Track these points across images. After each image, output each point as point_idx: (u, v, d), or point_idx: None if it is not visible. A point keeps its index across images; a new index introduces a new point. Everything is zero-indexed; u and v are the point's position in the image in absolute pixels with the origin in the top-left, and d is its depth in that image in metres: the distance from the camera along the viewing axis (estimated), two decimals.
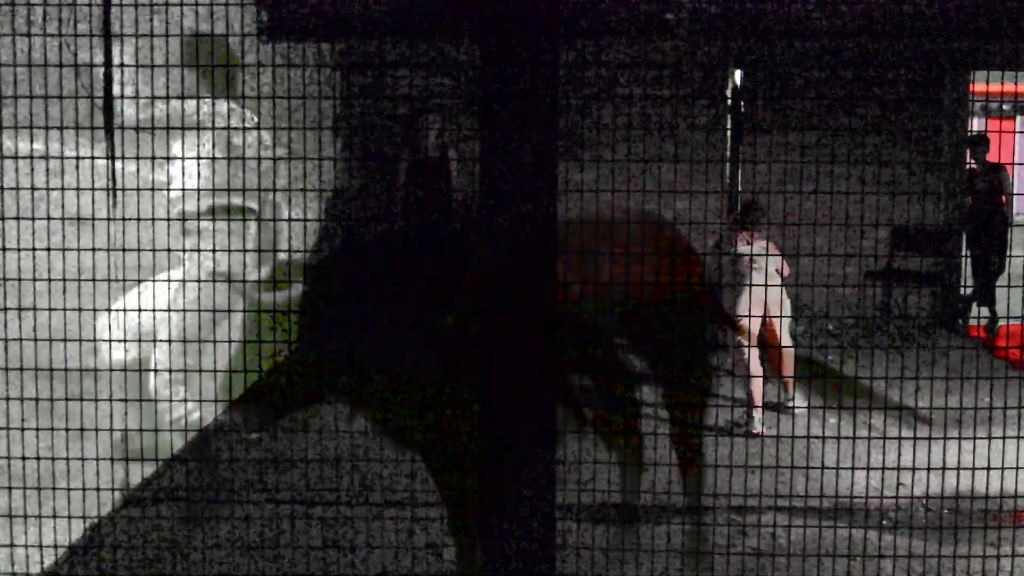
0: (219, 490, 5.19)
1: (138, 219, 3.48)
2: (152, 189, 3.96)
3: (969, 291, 9.78)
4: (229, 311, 3.73)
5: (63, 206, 3.82)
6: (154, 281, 4.14)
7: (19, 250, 3.83)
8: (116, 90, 4.49)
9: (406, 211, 8.53)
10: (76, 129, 3.99)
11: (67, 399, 3.80)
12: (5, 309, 3.85)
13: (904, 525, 4.94)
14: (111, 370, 3.96)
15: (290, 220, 5.48)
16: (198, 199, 4.98)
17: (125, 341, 4.03)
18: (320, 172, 4.22)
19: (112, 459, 4.14)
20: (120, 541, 4.72)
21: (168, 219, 4.09)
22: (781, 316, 6.87)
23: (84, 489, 4.08)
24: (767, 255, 6.68)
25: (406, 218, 8.51)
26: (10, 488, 3.99)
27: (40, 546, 4.07)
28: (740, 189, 9.30)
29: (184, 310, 4.69)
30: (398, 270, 3.84)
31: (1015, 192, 9.95)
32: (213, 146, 4.96)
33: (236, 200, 4.79)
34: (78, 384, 4.16)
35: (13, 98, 4.04)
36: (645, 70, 9.38)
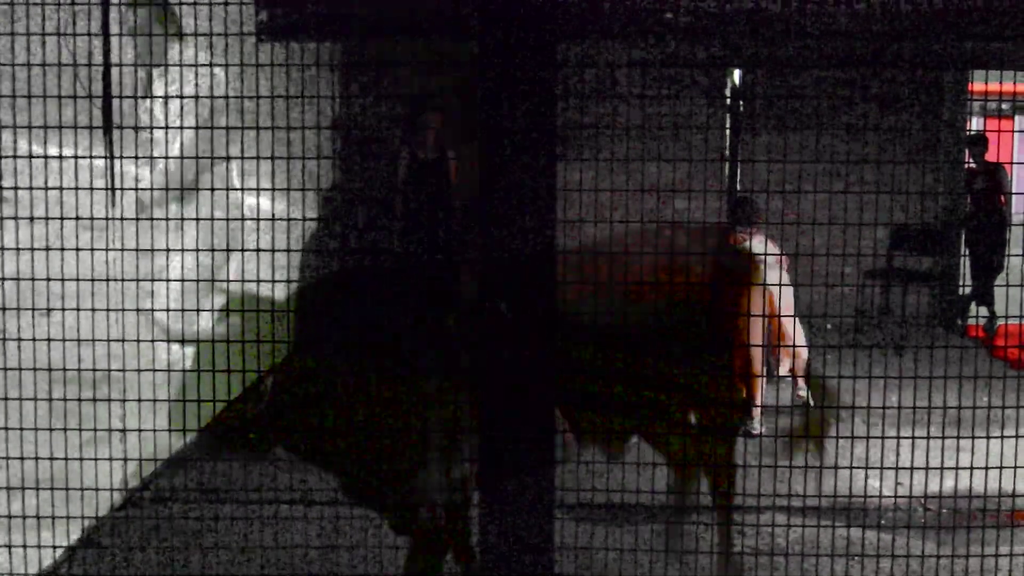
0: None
1: (136, 219, 3.48)
2: (153, 189, 3.96)
3: (968, 290, 9.78)
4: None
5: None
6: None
7: (18, 250, 3.83)
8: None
9: (405, 212, 8.52)
10: (75, 129, 3.98)
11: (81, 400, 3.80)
12: (17, 310, 3.85)
13: (903, 525, 4.94)
14: (126, 370, 3.96)
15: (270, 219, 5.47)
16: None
17: (127, 341, 4.02)
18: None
19: (111, 459, 4.14)
20: (120, 541, 4.72)
21: (168, 219, 4.09)
22: (781, 316, 6.86)
23: (83, 489, 4.08)
24: (765, 252, 6.67)
25: (405, 219, 8.51)
26: (9, 488, 3.98)
27: (39, 546, 4.06)
28: (739, 188, 9.30)
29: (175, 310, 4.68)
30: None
31: (1014, 191, 9.96)
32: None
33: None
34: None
35: (12, 97, 4.04)
36: (644, 69, 9.38)
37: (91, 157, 4.54)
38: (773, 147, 9.64)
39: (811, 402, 7.01)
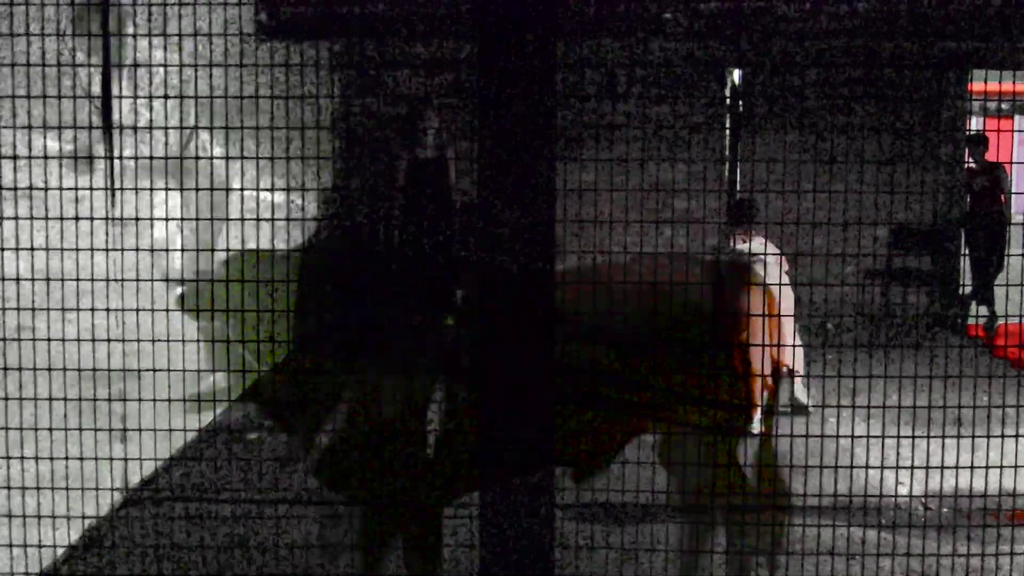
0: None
1: (136, 218, 3.48)
2: (151, 189, 3.95)
3: (968, 290, 9.79)
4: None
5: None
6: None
7: (14, 249, 3.82)
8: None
9: (405, 210, 8.52)
10: (75, 128, 3.99)
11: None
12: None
13: (903, 524, 4.94)
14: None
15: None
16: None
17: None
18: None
19: (112, 459, 4.14)
20: (120, 541, 4.72)
21: (167, 219, 4.09)
22: (782, 315, 6.86)
23: (83, 489, 4.08)
24: (765, 253, 6.67)
25: (405, 218, 8.51)
26: (9, 488, 3.98)
27: (39, 546, 4.06)
28: (739, 188, 9.30)
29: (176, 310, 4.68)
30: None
31: (1014, 191, 9.96)
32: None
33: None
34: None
35: (12, 97, 4.04)
36: (643, 69, 9.38)
37: (91, 157, 4.54)
38: (773, 147, 9.65)
39: (808, 404, 7.01)
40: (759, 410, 6.75)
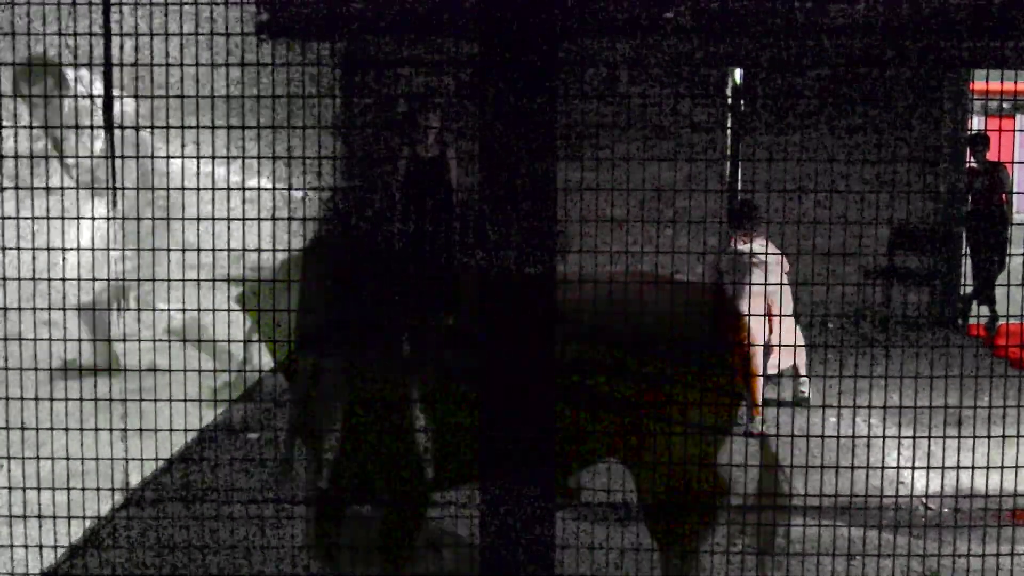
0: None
1: (137, 218, 3.48)
2: (150, 189, 3.96)
3: (969, 290, 9.78)
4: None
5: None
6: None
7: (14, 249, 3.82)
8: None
9: (405, 210, 8.53)
10: (76, 128, 3.99)
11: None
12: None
13: (904, 524, 4.94)
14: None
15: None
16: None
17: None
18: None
19: (112, 458, 4.14)
20: (121, 541, 4.72)
21: (180, 218, 4.09)
22: (782, 314, 6.86)
23: (84, 488, 4.08)
24: (766, 253, 6.68)
25: (405, 218, 8.51)
26: (10, 488, 3.98)
27: (40, 545, 4.06)
28: (740, 188, 9.30)
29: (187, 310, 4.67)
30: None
31: (1015, 191, 9.95)
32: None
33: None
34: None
35: (13, 96, 4.04)
36: (645, 68, 9.38)
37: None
38: (773, 147, 9.64)
39: (809, 400, 7.02)
40: (759, 410, 6.76)
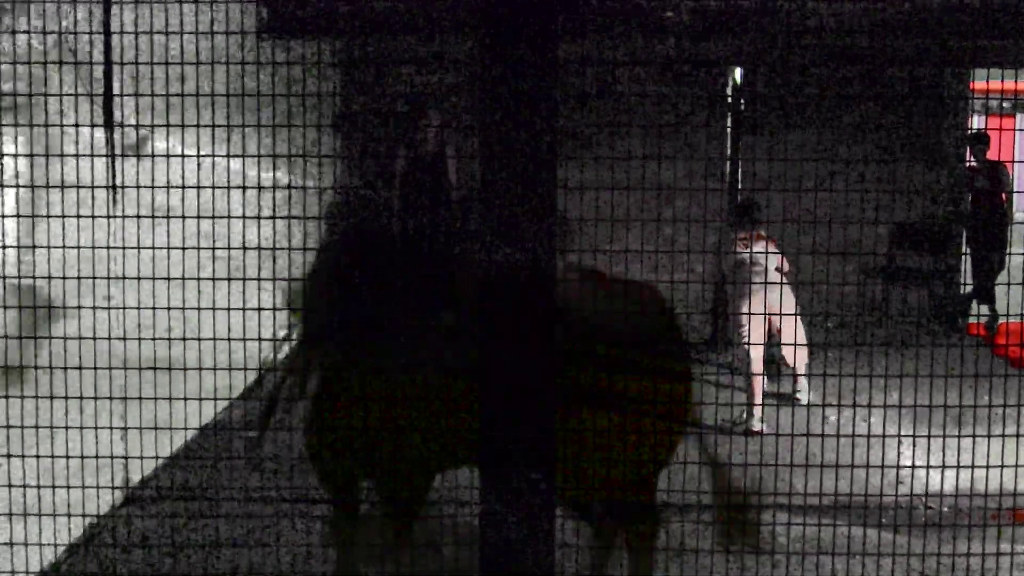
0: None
1: (140, 218, 3.47)
2: (152, 187, 3.95)
3: (969, 289, 9.78)
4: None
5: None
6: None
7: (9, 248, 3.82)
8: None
9: (403, 208, 8.53)
10: (76, 127, 3.99)
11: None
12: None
13: (904, 523, 4.94)
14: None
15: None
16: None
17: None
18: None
19: (112, 457, 4.13)
20: (120, 539, 4.72)
21: (182, 217, 4.09)
22: (782, 313, 6.86)
23: (84, 487, 4.08)
24: (767, 253, 6.68)
25: (403, 216, 8.52)
26: (10, 486, 3.99)
27: (40, 544, 4.07)
28: (740, 188, 9.29)
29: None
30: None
31: (1015, 190, 9.95)
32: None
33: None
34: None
35: (12, 95, 4.04)
36: (644, 68, 9.37)
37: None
38: (774, 146, 9.64)
39: (807, 401, 7.02)
40: (760, 409, 6.77)
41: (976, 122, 11.19)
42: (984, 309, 9.63)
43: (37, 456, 3.88)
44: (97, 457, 3.89)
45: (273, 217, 4.01)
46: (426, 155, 8.53)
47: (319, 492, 4.48)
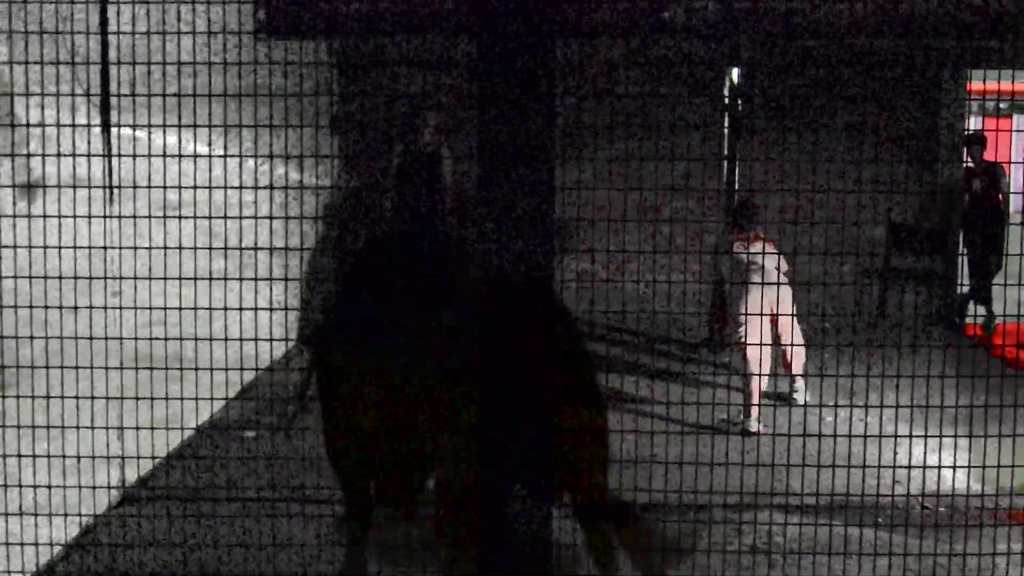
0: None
1: (145, 217, 3.48)
2: (152, 186, 3.95)
3: (966, 289, 9.79)
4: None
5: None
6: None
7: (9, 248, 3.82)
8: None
9: (399, 208, 8.54)
10: (73, 127, 3.99)
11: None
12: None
13: (900, 523, 4.95)
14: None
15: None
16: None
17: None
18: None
19: (109, 457, 4.13)
20: (119, 539, 4.72)
21: (177, 216, 4.09)
22: (779, 313, 6.86)
23: (81, 487, 4.08)
24: (764, 253, 6.68)
25: (399, 215, 8.52)
26: (6, 486, 3.98)
27: (36, 544, 4.06)
28: (738, 188, 9.30)
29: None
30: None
31: (1012, 191, 9.96)
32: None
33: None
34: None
35: (11, 95, 4.04)
36: (642, 68, 9.38)
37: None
38: (772, 147, 9.65)
39: (804, 401, 7.02)
40: (757, 409, 6.77)
41: (973, 123, 11.21)
42: (981, 309, 9.64)
43: (34, 456, 3.87)
44: (94, 457, 3.89)
45: (271, 217, 4.01)
46: (423, 155, 8.53)
47: (332, 491, 4.47)
